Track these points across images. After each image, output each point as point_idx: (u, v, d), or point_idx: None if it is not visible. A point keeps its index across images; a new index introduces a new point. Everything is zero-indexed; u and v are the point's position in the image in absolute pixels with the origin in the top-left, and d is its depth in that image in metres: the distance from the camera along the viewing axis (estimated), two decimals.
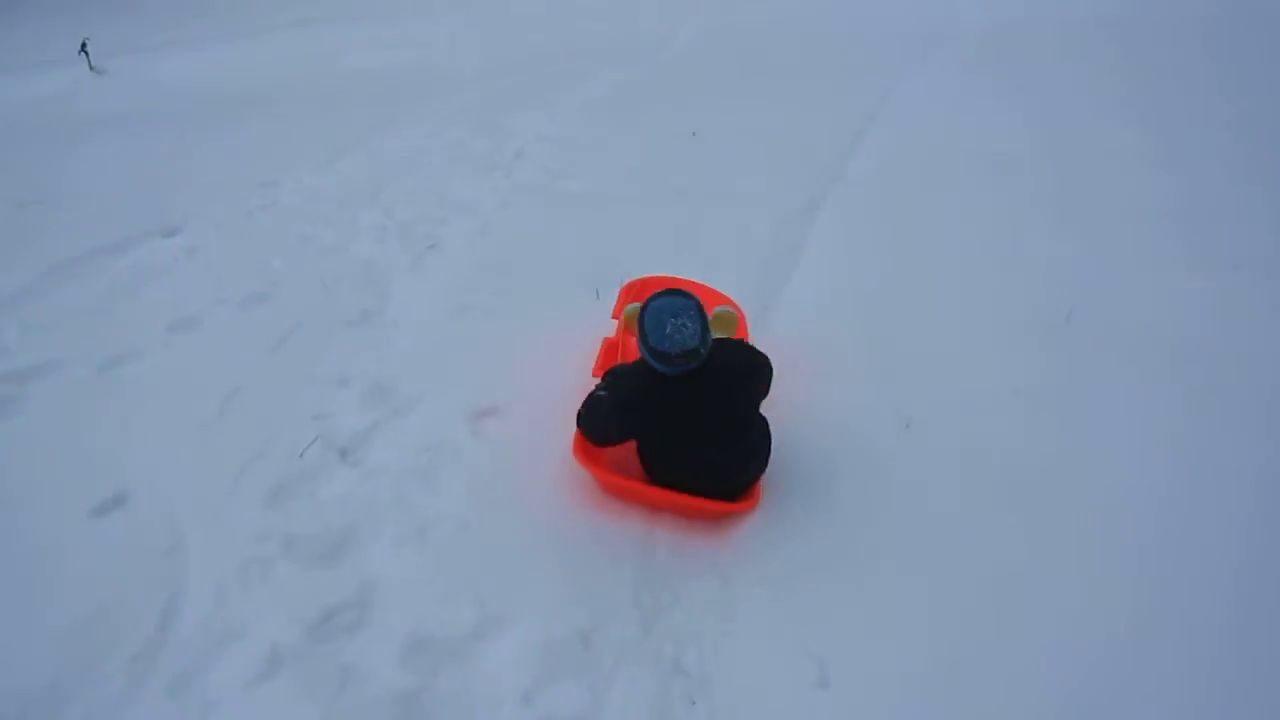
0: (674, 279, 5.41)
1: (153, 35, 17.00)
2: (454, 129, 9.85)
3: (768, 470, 4.06)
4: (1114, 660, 3.35)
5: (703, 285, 5.45)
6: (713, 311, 4.94)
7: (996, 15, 13.85)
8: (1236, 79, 10.07)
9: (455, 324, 5.78)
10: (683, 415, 3.75)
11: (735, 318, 4.98)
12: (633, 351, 4.74)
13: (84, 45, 13.89)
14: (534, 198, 7.87)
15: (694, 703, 3.24)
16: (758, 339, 5.08)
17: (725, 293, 5.52)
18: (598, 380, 4.18)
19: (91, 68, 13.69)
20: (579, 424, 3.98)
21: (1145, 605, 3.60)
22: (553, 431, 4.45)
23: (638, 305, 4.75)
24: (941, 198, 7.41)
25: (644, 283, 5.35)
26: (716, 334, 4.70)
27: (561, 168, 8.48)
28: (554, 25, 14.84)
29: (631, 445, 4.04)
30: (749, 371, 3.91)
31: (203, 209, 7.74)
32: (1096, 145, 8.38)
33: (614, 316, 5.05)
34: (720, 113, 9.79)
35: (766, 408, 4.10)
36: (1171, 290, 5.88)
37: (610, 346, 4.87)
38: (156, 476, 4.38)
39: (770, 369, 4.04)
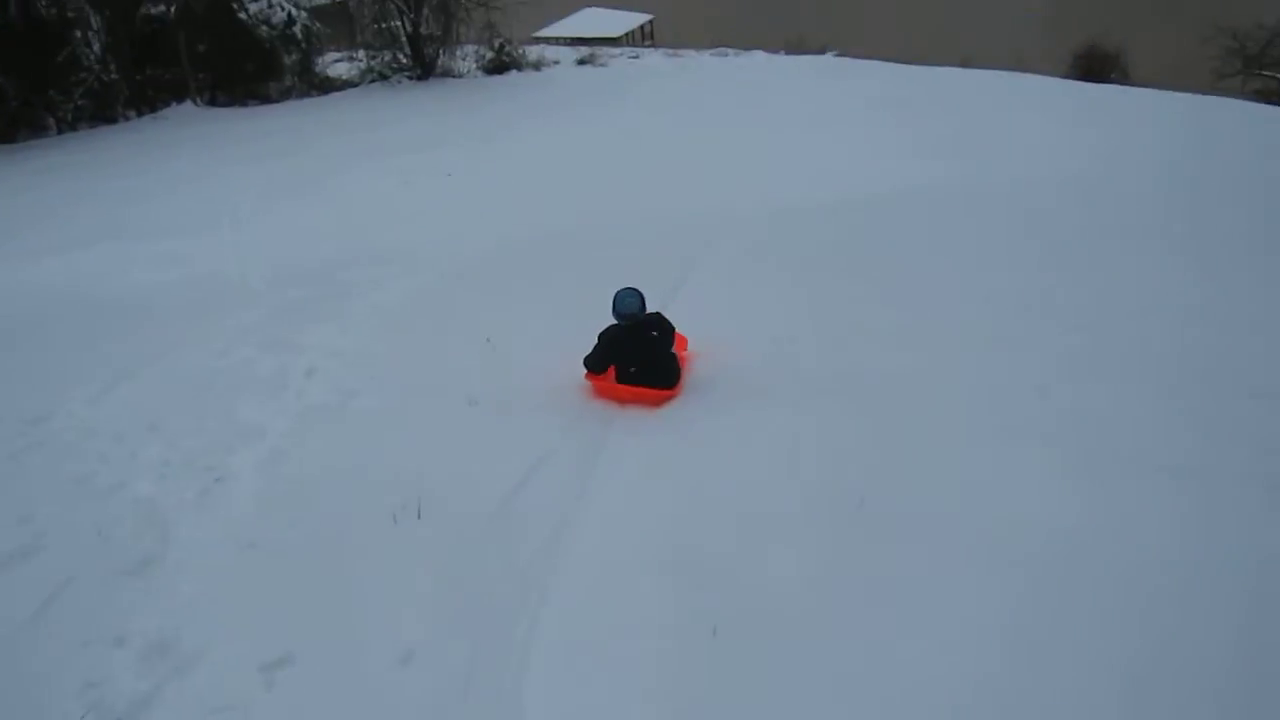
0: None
1: None
2: (242, 347, 9.63)
3: (682, 383, 7.60)
4: None
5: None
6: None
7: (772, 205, 14.77)
8: (990, 257, 11.02)
9: (243, 565, 5.54)
10: (633, 348, 7.46)
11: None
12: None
13: None
14: (327, 418, 7.74)
15: None
16: None
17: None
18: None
19: None
20: (586, 365, 7.67)
21: None
22: (355, 680, 4.26)
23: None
24: (734, 382, 7.71)
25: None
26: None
27: (355, 384, 8.39)
28: (347, 234, 14.90)
29: (610, 376, 7.68)
30: (663, 330, 7.57)
31: None
32: (863, 324, 8.96)
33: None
34: (515, 319, 9.95)
35: None
36: (963, 470, 6.22)
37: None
38: None
39: (674, 331, 7.73)
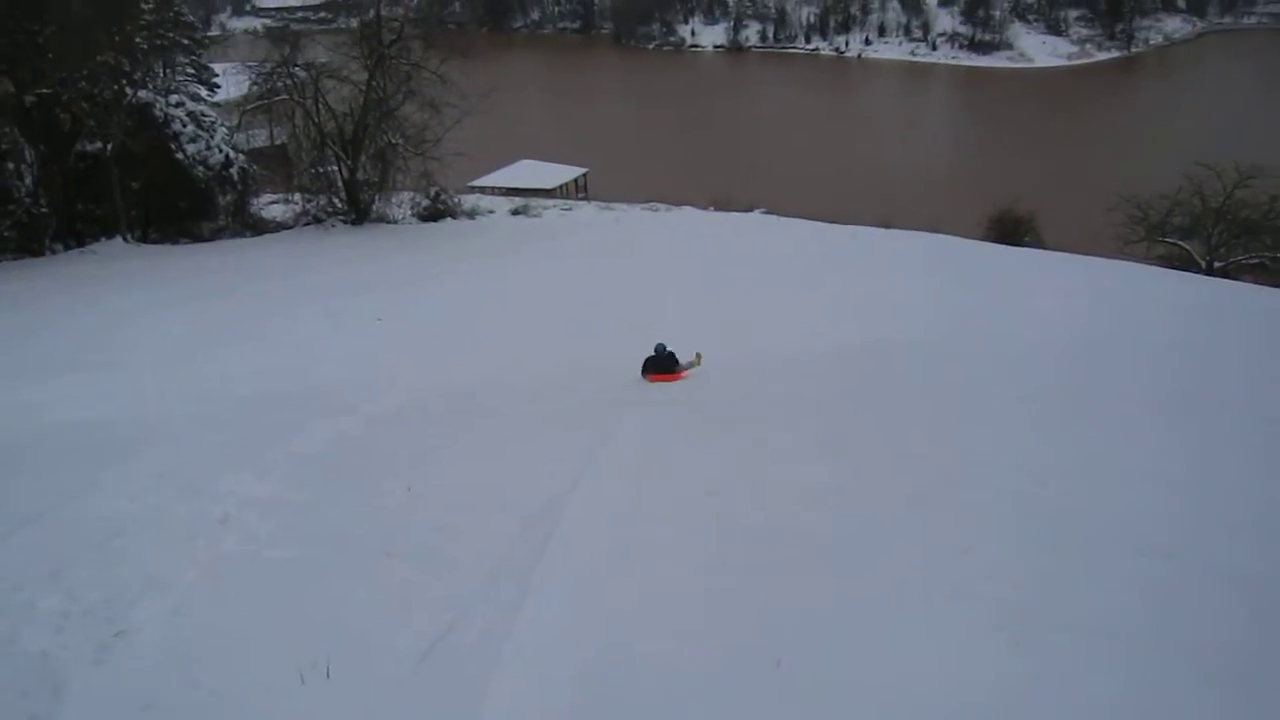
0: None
1: None
2: (155, 493, 9.37)
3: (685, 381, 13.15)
4: None
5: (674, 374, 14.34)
6: (695, 354, 14.59)
7: (703, 356, 14.98)
8: (913, 415, 11.27)
9: None
10: (655, 364, 13.97)
11: (699, 358, 14.53)
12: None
13: None
14: (238, 569, 7.53)
15: None
16: None
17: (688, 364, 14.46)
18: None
19: None
20: (643, 371, 14.01)
21: None
22: None
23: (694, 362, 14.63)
24: (654, 533, 7.70)
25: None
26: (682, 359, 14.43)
27: (269, 533, 8.20)
28: (272, 376, 14.78)
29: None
30: (670, 357, 14.04)
31: None
32: (790, 480, 9.05)
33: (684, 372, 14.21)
34: (437, 466, 9.88)
35: None
36: (884, 632, 6.22)
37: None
38: None
39: (678, 363, 14.23)
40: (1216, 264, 32.95)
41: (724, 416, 11.80)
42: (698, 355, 14.47)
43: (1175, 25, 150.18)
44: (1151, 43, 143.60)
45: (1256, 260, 33.41)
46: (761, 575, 7.07)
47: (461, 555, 7.61)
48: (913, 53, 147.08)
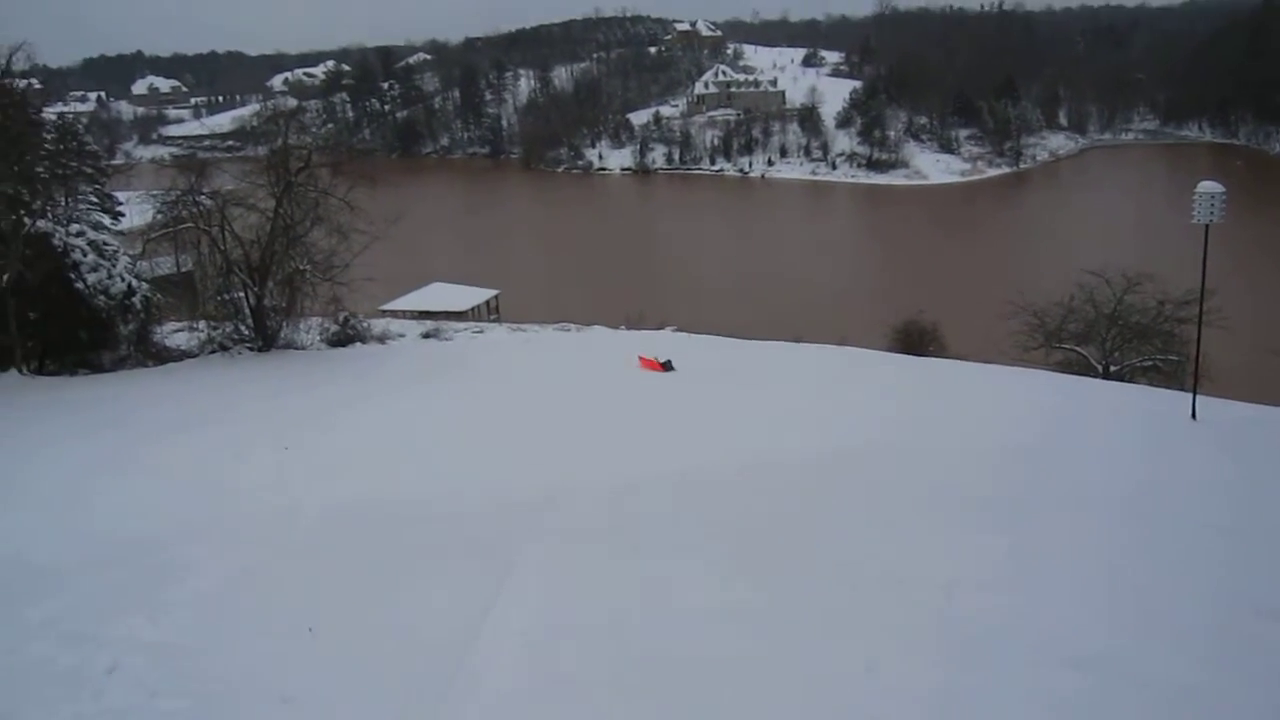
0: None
1: None
2: (40, 641, 8.87)
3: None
4: None
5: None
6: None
7: (615, 479, 14.88)
8: (825, 528, 11.26)
9: None
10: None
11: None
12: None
13: None
14: None
15: None
16: None
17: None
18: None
19: None
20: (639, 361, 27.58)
21: None
22: None
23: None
24: (561, 666, 7.48)
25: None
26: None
27: (161, 682, 7.80)
28: (170, 509, 14.22)
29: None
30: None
31: None
32: (691, 605, 8.92)
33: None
34: (342, 602, 9.55)
35: None
36: None
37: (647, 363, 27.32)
38: None
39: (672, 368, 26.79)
40: (1112, 368, 34.04)
41: (632, 541, 11.67)
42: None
43: (1059, 142, 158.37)
44: (1038, 159, 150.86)
45: (1149, 363, 34.61)
46: (673, 705, 6.90)
47: (365, 698, 7.29)
48: (814, 172, 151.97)
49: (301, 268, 33.74)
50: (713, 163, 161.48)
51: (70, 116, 63.34)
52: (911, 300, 45.32)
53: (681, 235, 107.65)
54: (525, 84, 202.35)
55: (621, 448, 16.93)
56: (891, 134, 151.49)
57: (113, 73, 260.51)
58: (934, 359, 33.63)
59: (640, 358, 27.88)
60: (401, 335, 37.08)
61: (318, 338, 35.01)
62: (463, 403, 22.79)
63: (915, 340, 38.31)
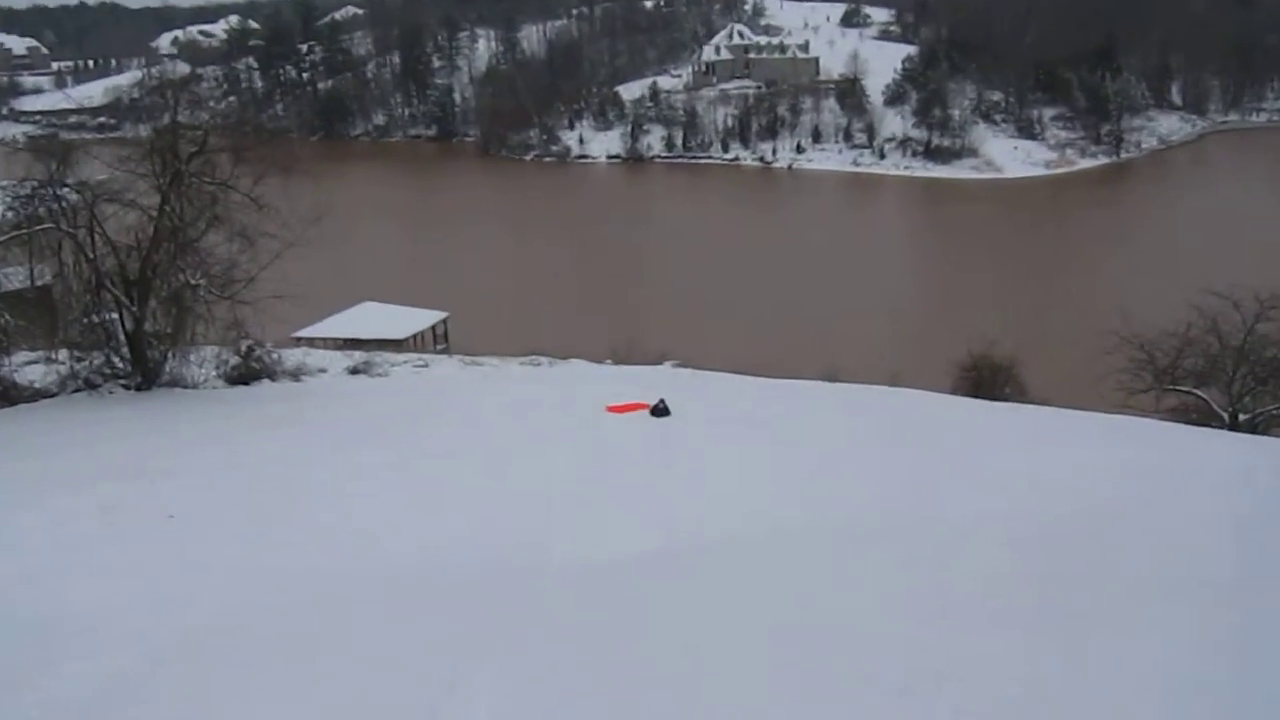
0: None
1: None
2: None
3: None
4: None
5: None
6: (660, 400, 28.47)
7: (591, 556, 14.97)
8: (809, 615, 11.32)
9: None
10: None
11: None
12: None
13: None
14: None
15: None
16: None
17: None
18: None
19: None
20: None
21: None
22: None
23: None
24: None
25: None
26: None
27: None
28: (17, 596, 14.21)
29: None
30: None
31: None
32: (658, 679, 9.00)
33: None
34: (257, 703, 9.57)
35: None
36: None
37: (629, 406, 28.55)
38: None
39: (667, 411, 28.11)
40: (1242, 416, 33.72)
41: (601, 634, 11.74)
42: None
43: (1172, 125, 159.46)
44: (1145, 146, 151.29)
45: None
46: None
47: None
48: (855, 162, 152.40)
49: (193, 282, 33.72)
50: (726, 149, 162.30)
51: None
52: (982, 329, 45.31)
53: (685, 243, 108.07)
54: (484, 47, 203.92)
55: (604, 521, 17.07)
56: (955, 114, 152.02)
57: None
58: (1012, 404, 33.69)
59: (609, 407, 28.22)
60: (322, 370, 37.05)
61: (213, 372, 34.95)
62: (395, 465, 22.43)
63: (987, 380, 38.21)
